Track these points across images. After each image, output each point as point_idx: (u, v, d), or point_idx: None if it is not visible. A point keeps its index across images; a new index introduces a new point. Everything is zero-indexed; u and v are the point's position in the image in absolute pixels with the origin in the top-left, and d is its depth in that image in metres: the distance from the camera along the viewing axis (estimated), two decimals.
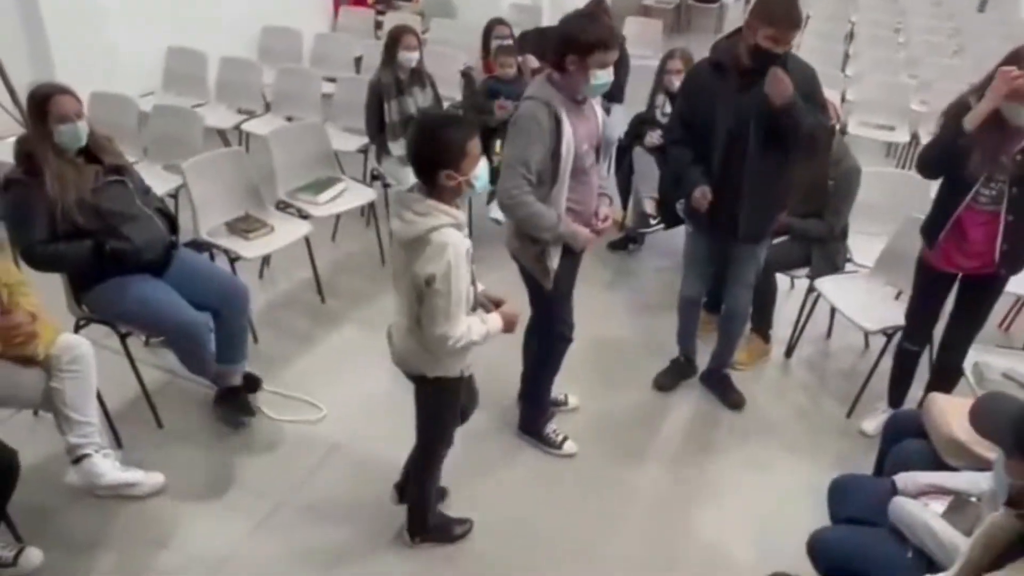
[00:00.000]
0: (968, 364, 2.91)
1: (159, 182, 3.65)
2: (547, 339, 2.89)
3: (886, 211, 3.58)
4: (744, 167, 2.80)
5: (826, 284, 3.46)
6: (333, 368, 3.48)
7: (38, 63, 4.96)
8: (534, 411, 3.08)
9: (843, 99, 5.68)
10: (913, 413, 2.55)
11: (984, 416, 1.64)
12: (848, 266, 3.61)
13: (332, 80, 5.19)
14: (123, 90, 4.50)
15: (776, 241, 3.26)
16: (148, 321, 2.92)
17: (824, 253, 3.54)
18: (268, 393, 3.24)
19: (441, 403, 2.35)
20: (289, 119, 4.95)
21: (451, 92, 5.11)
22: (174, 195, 4.01)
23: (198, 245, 3.43)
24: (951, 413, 2.22)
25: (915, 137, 5.57)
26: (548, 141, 2.47)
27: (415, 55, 4.15)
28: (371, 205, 4.31)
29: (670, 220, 4.19)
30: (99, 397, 2.69)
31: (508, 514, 2.78)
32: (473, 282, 2.18)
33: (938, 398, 2.37)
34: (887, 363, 3.21)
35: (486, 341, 2.20)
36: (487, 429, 3.04)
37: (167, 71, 5.43)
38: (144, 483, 2.73)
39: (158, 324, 2.93)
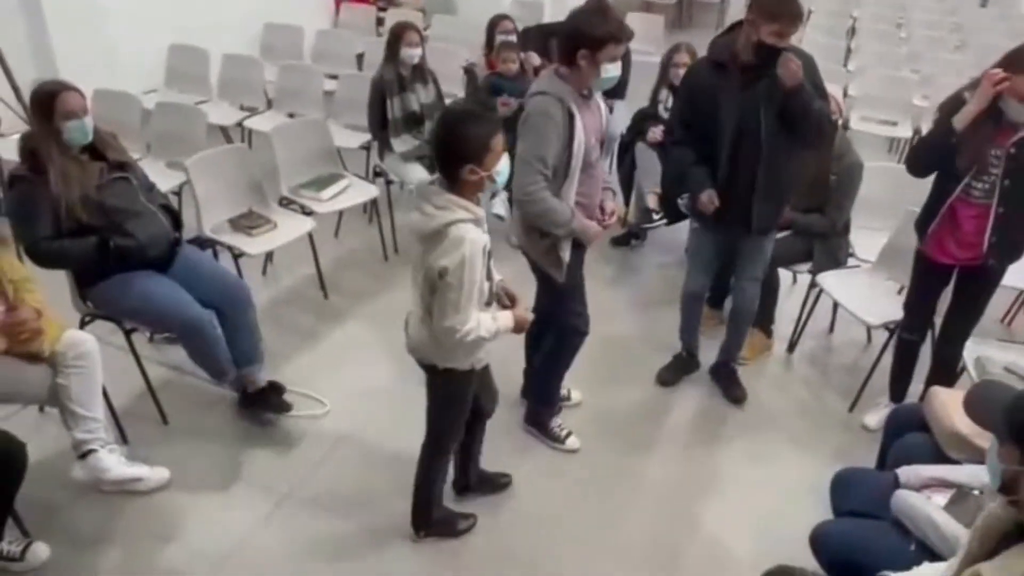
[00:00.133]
0: (970, 358, 2.92)
1: (162, 179, 3.65)
2: (561, 333, 2.89)
3: (888, 206, 3.59)
4: (756, 161, 2.81)
5: (828, 279, 3.46)
6: (336, 364, 3.49)
7: (41, 61, 4.97)
8: (542, 405, 3.09)
9: (845, 94, 5.67)
10: (915, 407, 2.56)
11: (977, 403, 1.65)
12: (850, 261, 3.62)
13: (334, 77, 5.20)
14: (126, 87, 4.51)
15: (779, 236, 3.27)
16: (152, 317, 2.93)
17: (826, 248, 3.55)
18: None
19: (450, 394, 2.37)
20: (291, 116, 4.95)
21: (453, 88, 5.12)
22: (177, 192, 4.02)
23: (202, 242, 3.44)
24: (953, 407, 2.23)
25: (917, 132, 5.56)
26: (562, 136, 2.49)
27: (417, 51, 4.15)
28: (374, 201, 4.32)
29: (672, 215, 4.19)
30: (104, 393, 2.70)
31: (512, 508, 2.79)
32: (490, 277, 2.19)
33: (940, 392, 2.38)
34: (889, 358, 3.22)
35: (495, 338, 2.21)
36: (493, 423, 3.05)
37: (169, 68, 5.44)
38: (149, 478, 2.75)
39: (162, 320, 2.94)
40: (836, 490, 2.35)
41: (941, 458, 2.22)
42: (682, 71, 4.03)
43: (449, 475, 2.67)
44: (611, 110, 4.17)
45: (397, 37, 4.13)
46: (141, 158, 3.95)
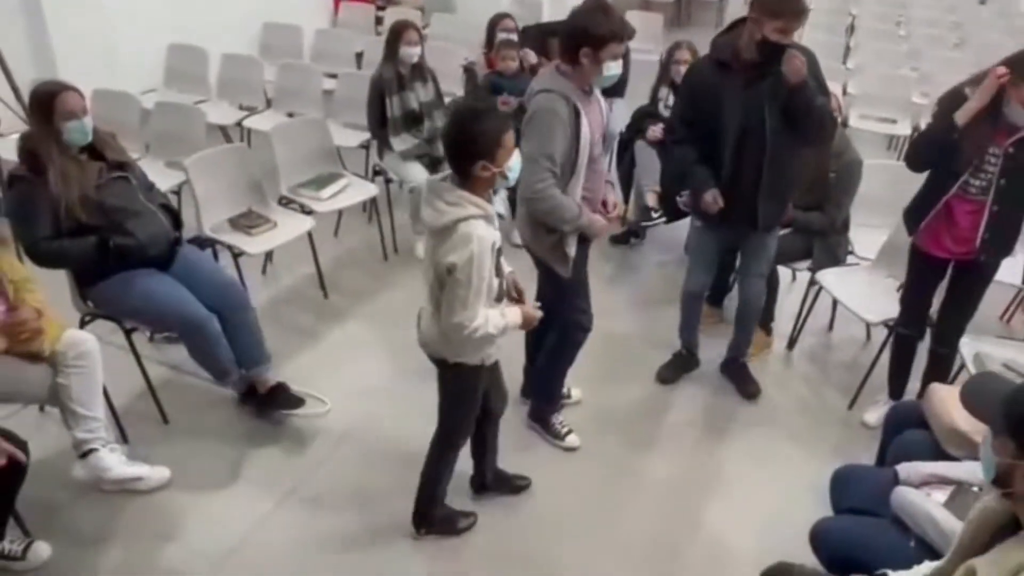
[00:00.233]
0: (969, 355, 2.93)
1: (161, 179, 3.66)
2: (564, 330, 2.90)
3: (887, 204, 3.59)
4: (760, 159, 2.82)
5: (828, 276, 3.47)
6: (337, 363, 3.50)
7: (40, 61, 4.97)
8: (544, 401, 3.10)
9: (844, 92, 5.68)
10: (914, 404, 2.57)
11: (973, 395, 1.65)
12: (850, 258, 3.63)
13: (333, 76, 5.20)
14: (125, 87, 4.51)
15: (779, 234, 3.27)
16: (153, 316, 2.94)
17: (826, 246, 3.55)
18: None
19: (459, 389, 2.38)
20: (290, 115, 4.95)
21: (452, 87, 5.12)
22: (177, 191, 4.02)
23: (201, 241, 3.44)
24: (952, 403, 2.23)
25: (916, 130, 5.56)
26: (568, 132, 2.50)
27: (417, 50, 4.15)
28: (373, 201, 4.32)
29: (672, 214, 4.20)
30: (105, 392, 2.71)
31: (512, 506, 2.79)
32: (499, 274, 2.20)
33: (939, 389, 2.38)
34: (889, 355, 3.22)
35: (504, 334, 2.22)
36: None
37: (168, 68, 5.44)
38: (150, 477, 2.75)
39: (163, 318, 2.94)
40: (836, 487, 2.36)
41: (940, 455, 2.23)
42: (683, 68, 4.04)
43: (467, 473, 2.67)
44: (610, 108, 4.17)
45: (396, 36, 4.12)
46: (140, 158, 3.95)
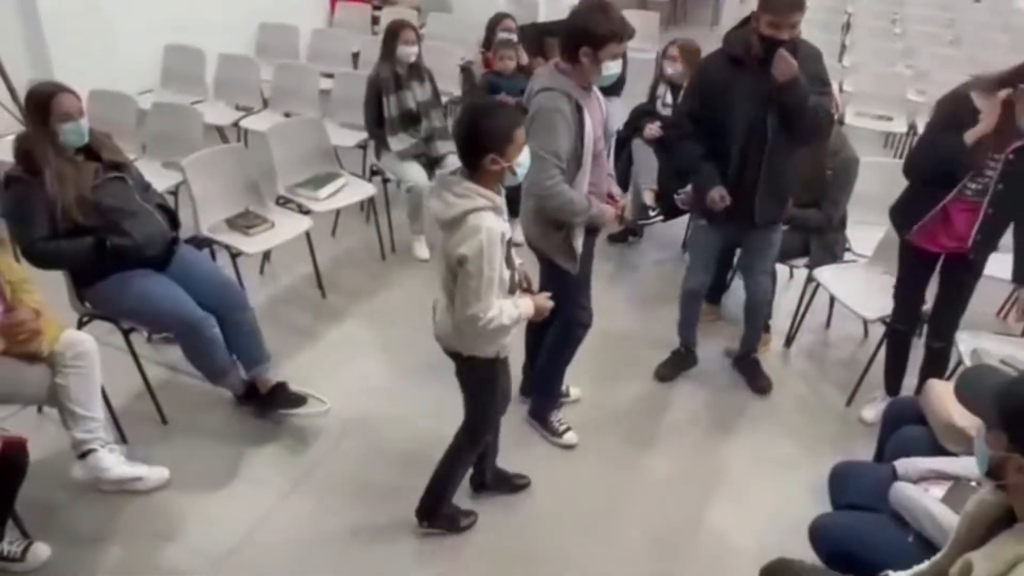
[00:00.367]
0: (967, 351, 2.94)
1: (158, 179, 3.64)
2: (566, 326, 2.90)
3: (883, 201, 3.56)
4: (763, 154, 2.83)
5: (825, 274, 3.47)
6: (335, 362, 3.50)
7: (36, 62, 4.96)
8: (544, 398, 3.10)
9: (840, 90, 5.68)
10: (912, 400, 2.58)
11: (967, 388, 1.66)
12: (847, 255, 3.63)
13: (330, 76, 5.19)
14: (121, 88, 4.51)
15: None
16: (149, 316, 2.93)
17: (823, 243, 3.56)
18: None
19: (476, 382, 2.40)
20: (287, 115, 4.95)
21: (448, 87, 5.12)
22: (174, 192, 4.01)
23: (199, 241, 3.44)
24: (949, 399, 2.23)
25: (912, 127, 5.58)
26: (572, 129, 2.51)
27: (414, 50, 4.15)
28: (371, 200, 4.32)
29: (669, 212, 4.21)
30: (103, 393, 2.71)
31: (513, 504, 2.79)
32: (510, 266, 2.22)
33: (936, 385, 2.39)
34: (884, 352, 3.22)
35: (517, 324, 2.24)
36: None
37: (165, 69, 5.43)
38: (149, 477, 2.75)
39: (159, 319, 2.94)
40: (834, 483, 2.36)
41: (938, 450, 2.24)
42: (670, 64, 4.07)
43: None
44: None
45: (393, 35, 4.12)
46: (137, 158, 3.94)
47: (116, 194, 2.83)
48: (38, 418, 2.95)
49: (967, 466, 2.08)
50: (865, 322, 3.60)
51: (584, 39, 2.48)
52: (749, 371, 3.48)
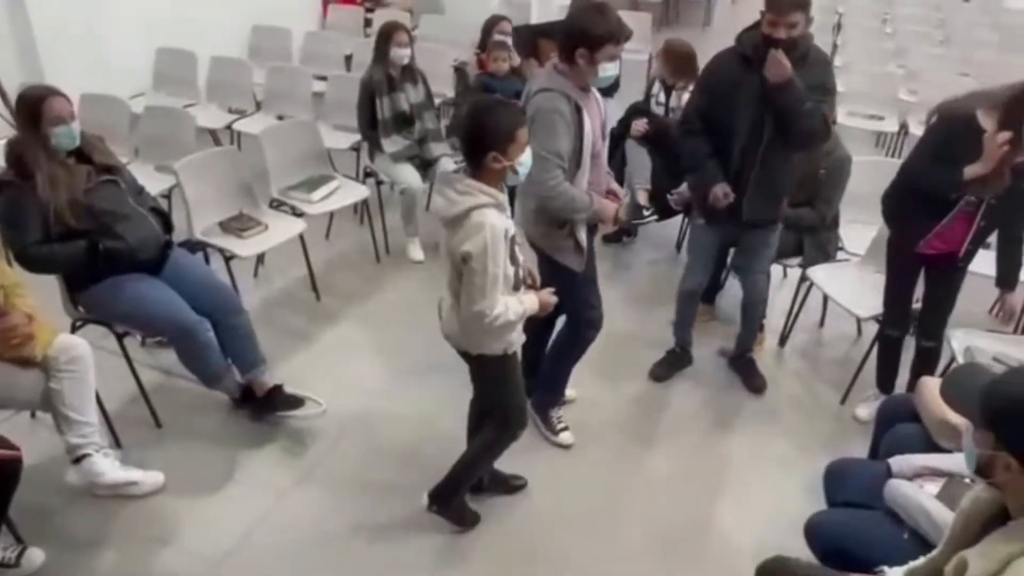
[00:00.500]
0: (960, 348, 2.95)
1: (151, 183, 3.63)
2: (575, 326, 2.91)
3: (876, 200, 3.58)
4: (757, 154, 2.85)
5: (818, 273, 3.49)
6: (330, 365, 3.49)
7: (27, 65, 4.93)
8: (547, 393, 3.11)
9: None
10: (905, 397, 2.59)
11: (952, 388, 1.66)
12: (840, 254, 3.65)
13: (323, 78, 5.19)
14: (113, 91, 4.49)
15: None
16: (143, 320, 2.92)
17: (816, 242, 3.57)
18: None
19: (489, 380, 2.41)
20: (280, 118, 4.94)
21: (441, 88, 5.12)
22: (167, 195, 4.00)
23: (192, 245, 3.43)
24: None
25: (904, 126, 5.61)
26: (572, 129, 2.52)
27: (407, 52, 4.15)
28: (364, 202, 4.31)
29: (663, 212, 4.21)
30: (97, 397, 2.69)
31: (512, 504, 2.80)
32: (515, 262, 2.23)
33: (929, 382, 2.40)
34: (876, 354, 3.24)
35: (522, 320, 2.25)
36: None
37: (157, 72, 5.42)
38: (144, 482, 2.73)
39: (153, 323, 2.92)
40: (829, 481, 2.37)
41: (932, 447, 2.24)
42: (661, 64, 4.10)
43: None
44: None
45: (386, 37, 4.12)
46: (129, 162, 3.94)
47: (109, 197, 2.82)
48: (32, 423, 2.94)
49: (961, 463, 2.07)
50: (859, 320, 3.61)
51: (580, 40, 2.48)
52: (744, 371, 3.49)
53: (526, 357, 3.13)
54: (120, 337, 2.93)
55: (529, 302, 2.27)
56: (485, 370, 2.37)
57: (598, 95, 2.72)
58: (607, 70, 2.53)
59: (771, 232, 3.15)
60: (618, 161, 4.42)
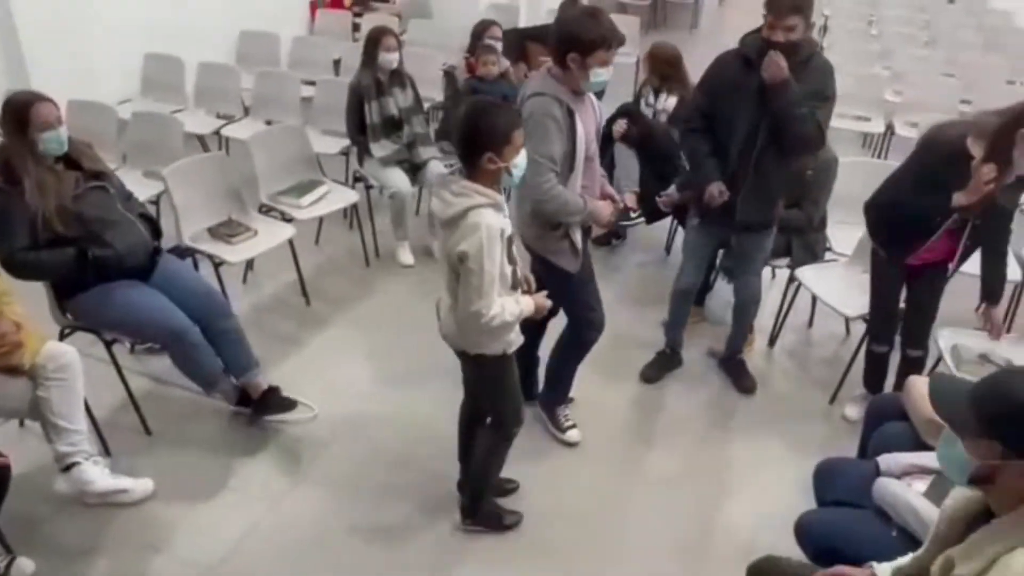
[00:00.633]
0: (946, 347, 2.97)
1: (139, 189, 3.61)
2: (576, 329, 2.92)
3: (862, 201, 3.62)
4: (751, 157, 2.87)
5: (807, 273, 3.51)
6: (321, 369, 3.49)
7: (13, 71, 4.90)
8: (554, 392, 3.12)
9: None
10: (894, 397, 2.60)
11: (939, 397, 1.60)
12: (827, 255, 3.67)
13: (311, 83, 5.18)
14: (101, 97, 4.47)
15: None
16: (133, 327, 2.91)
17: (804, 243, 3.60)
18: None
19: (487, 380, 2.42)
20: (269, 123, 4.92)
21: (430, 92, 5.12)
22: (155, 201, 3.98)
23: (181, 251, 3.42)
24: None
25: (890, 127, 5.66)
26: (565, 133, 2.53)
27: (395, 56, 4.15)
28: (354, 207, 4.31)
29: (651, 214, 4.23)
30: (86, 405, 2.68)
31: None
32: (512, 262, 2.23)
33: (917, 381, 2.41)
34: (863, 367, 3.25)
35: (519, 321, 2.26)
36: None
37: (145, 78, 5.40)
38: (134, 489, 2.72)
39: (143, 329, 2.92)
40: (819, 480, 2.39)
41: (920, 446, 2.26)
42: (648, 67, 4.12)
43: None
44: None
45: (375, 42, 4.12)
46: (117, 168, 3.90)
47: (97, 203, 2.81)
48: (20, 432, 2.92)
49: None
50: (847, 320, 3.64)
51: (572, 45, 2.49)
52: (735, 371, 3.50)
53: (518, 360, 3.15)
54: (108, 344, 2.92)
55: (526, 304, 2.28)
56: (483, 370, 2.37)
57: (594, 99, 2.73)
58: (599, 75, 2.53)
59: (765, 236, 3.16)
60: (606, 164, 4.44)
